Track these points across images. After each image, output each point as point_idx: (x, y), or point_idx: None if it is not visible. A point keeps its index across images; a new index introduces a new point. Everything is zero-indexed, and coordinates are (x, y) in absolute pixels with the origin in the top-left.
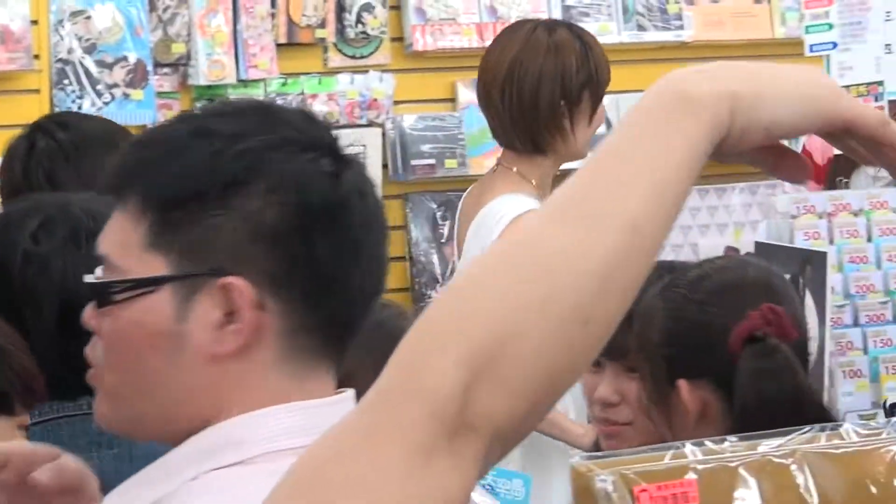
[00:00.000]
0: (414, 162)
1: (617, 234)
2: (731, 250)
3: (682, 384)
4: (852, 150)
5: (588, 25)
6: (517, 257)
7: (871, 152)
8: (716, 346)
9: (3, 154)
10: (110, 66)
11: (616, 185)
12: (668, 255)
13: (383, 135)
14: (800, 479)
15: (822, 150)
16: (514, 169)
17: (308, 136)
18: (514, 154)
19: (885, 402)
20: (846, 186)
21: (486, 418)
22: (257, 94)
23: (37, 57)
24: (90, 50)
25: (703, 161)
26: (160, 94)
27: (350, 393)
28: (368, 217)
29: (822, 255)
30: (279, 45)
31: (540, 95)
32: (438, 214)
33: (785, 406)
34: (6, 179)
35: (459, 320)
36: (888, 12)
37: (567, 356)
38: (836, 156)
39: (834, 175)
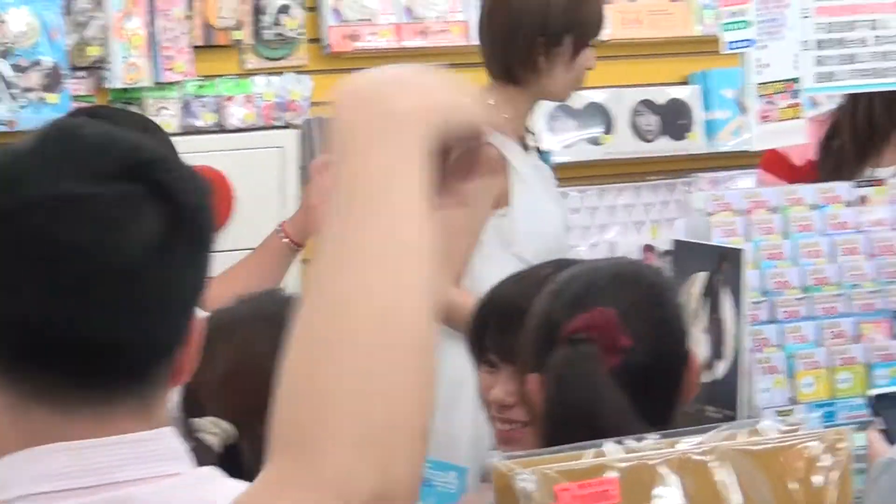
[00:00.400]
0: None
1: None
2: (648, 248)
3: (531, 378)
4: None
5: None
6: (358, 314)
7: (465, 167)
8: (555, 345)
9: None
10: (25, 70)
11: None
12: (585, 253)
13: (300, 136)
14: (720, 476)
15: (800, 153)
16: (491, 101)
17: None
18: (494, 84)
19: (867, 395)
20: None
21: (395, 484)
22: (174, 96)
23: None
24: (5, 54)
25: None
26: (76, 98)
27: (148, 434)
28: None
29: (738, 253)
30: (196, 48)
31: (520, 26)
32: None
33: (583, 415)
34: None
35: (336, 397)
36: (805, 9)
37: (428, 395)
38: (819, 160)
39: (818, 177)
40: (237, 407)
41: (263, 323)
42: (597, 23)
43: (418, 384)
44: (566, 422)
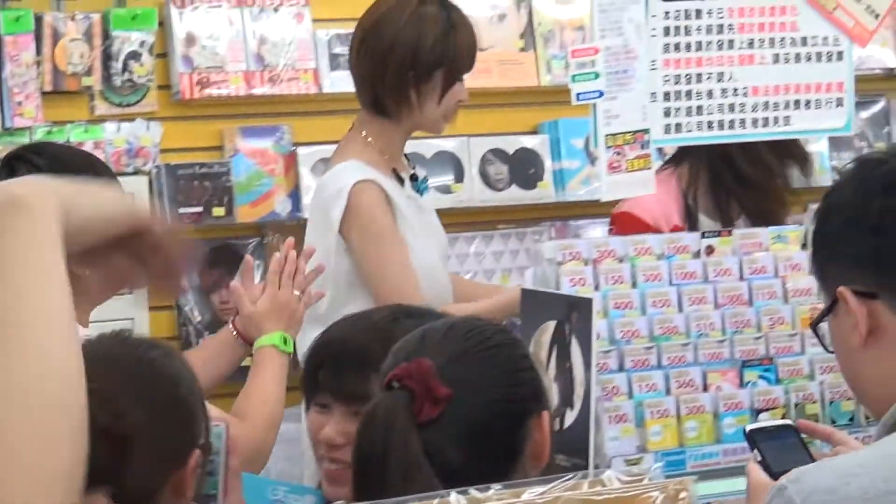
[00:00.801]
0: (181, 210)
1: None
2: None
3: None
4: (115, 267)
5: None
6: None
7: (147, 259)
8: None
9: None
10: None
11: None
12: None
13: (150, 182)
14: None
15: (665, 218)
16: (363, 132)
17: None
18: (365, 115)
19: (744, 429)
20: None
21: None
22: (23, 142)
23: None
24: None
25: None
26: None
27: None
28: None
29: (587, 302)
30: (45, 93)
31: (390, 60)
32: (207, 262)
33: (368, 457)
34: None
35: None
36: (653, 61)
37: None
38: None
39: None
40: None
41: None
42: (468, 57)
43: (53, 434)
44: (362, 462)
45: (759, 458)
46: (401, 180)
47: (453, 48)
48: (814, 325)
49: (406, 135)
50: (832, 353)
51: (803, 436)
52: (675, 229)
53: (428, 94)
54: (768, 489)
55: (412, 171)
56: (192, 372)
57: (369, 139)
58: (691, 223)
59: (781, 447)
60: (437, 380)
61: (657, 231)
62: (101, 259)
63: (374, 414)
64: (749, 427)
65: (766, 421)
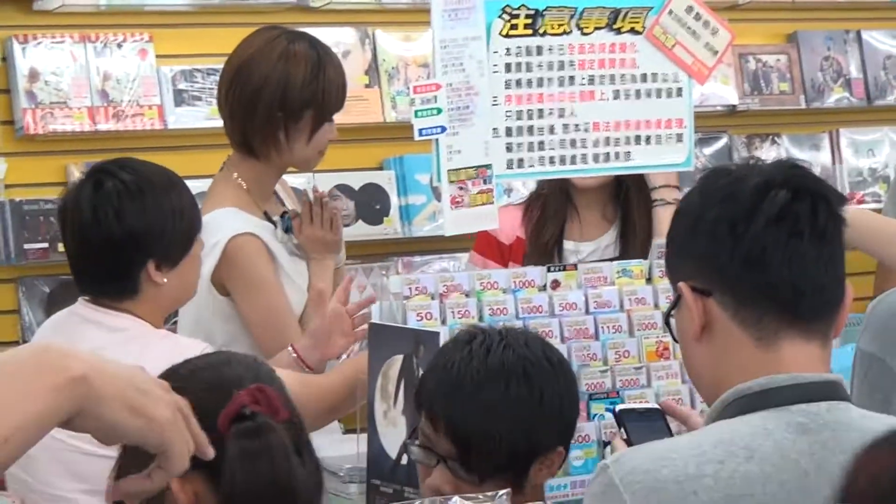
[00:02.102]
0: (27, 246)
1: None
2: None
3: (174, 482)
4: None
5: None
6: None
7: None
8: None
9: (65, 197)
10: None
11: None
12: None
13: None
14: None
15: (508, 233)
16: (235, 174)
17: None
18: (235, 156)
19: (613, 408)
20: None
21: None
22: None
23: None
24: None
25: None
26: None
27: None
28: None
29: (435, 335)
30: None
31: (259, 100)
32: (51, 299)
33: (276, 489)
34: (73, 218)
35: None
36: (495, 97)
37: None
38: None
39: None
40: None
41: None
42: (337, 97)
43: None
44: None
45: (625, 437)
46: (273, 222)
47: (322, 89)
48: (665, 318)
49: (277, 173)
50: (678, 342)
51: (668, 418)
52: (516, 241)
53: (297, 135)
54: None
55: (283, 210)
56: None
57: (240, 181)
58: (534, 239)
59: (646, 428)
60: (280, 404)
61: (498, 242)
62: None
63: (261, 447)
64: (619, 407)
65: (634, 403)
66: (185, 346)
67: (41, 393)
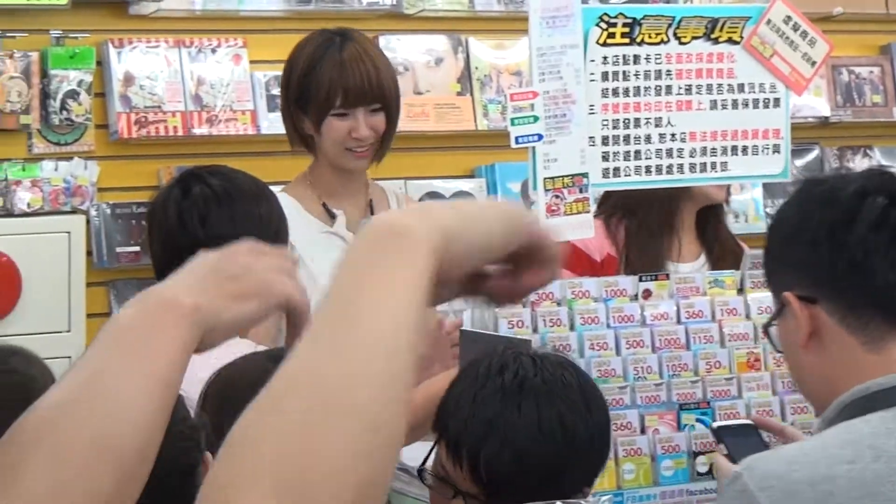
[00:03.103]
0: (119, 249)
1: (375, 358)
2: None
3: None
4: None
5: None
6: (303, 386)
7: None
8: None
9: (154, 200)
10: None
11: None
12: None
13: (88, 222)
14: None
15: (598, 248)
16: (308, 178)
17: None
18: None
19: (710, 425)
20: None
21: None
22: None
23: None
24: None
25: (429, 286)
26: None
27: None
28: None
29: (526, 343)
30: None
31: (284, 98)
32: None
33: None
34: (159, 222)
35: (262, 449)
36: (591, 105)
37: (367, 466)
38: (623, 255)
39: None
40: None
41: None
42: (328, 91)
43: (356, 456)
44: None
45: (726, 452)
46: (331, 215)
47: (315, 81)
48: (765, 328)
49: (331, 168)
50: (780, 352)
51: (761, 431)
52: (608, 259)
53: (309, 127)
54: None
55: (370, 214)
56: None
57: (308, 175)
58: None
59: (744, 442)
60: None
61: (590, 259)
62: (476, 284)
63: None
64: (715, 424)
65: (729, 420)
66: (236, 346)
67: (168, 338)
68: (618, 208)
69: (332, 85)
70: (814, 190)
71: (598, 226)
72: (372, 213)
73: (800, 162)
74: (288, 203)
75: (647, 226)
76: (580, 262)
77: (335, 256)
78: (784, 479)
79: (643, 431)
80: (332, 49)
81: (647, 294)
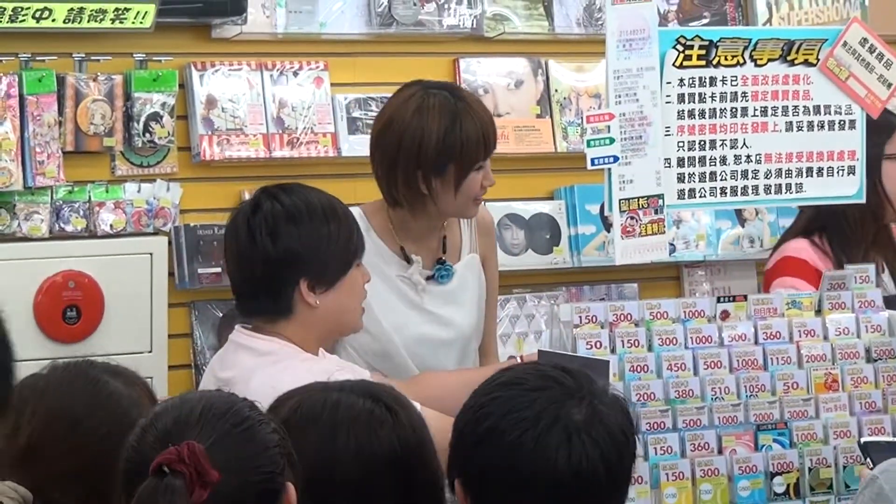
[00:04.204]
0: (200, 270)
1: None
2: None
3: None
4: None
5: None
6: None
7: None
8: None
9: (230, 219)
10: None
11: None
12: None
13: (170, 243)
14: None
15: (819, 262)
16: (389, 210)
17: None
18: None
19: (859, 441)
20: None
21: None
22: (44, 201)
23: None
24: None
25: None
26: None
27: None
28: None
29: (604, 363)
30: (66, 153)
31: (398, 160)
32: (223, 323)
33: None
34: (232, 238)
35: None
36: (667, 127)
37: None
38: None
39: None
40: (38, 474)
41: (79, 391)
42: (476, 147)
43: None
44: None
45: (871, 466)
46: (407, 260)
47: (460, 140)
48: None
49: (428, 222)
50: None
51: None
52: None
53: (444, 188)
54: None
55: (440, 257)
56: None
57: (388, 213)
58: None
59: (889, 457)
60: (208, 464)
61: (818, 272)
62: None
63: (154, 502)
64: (864, 440)
65: (876, 437)
66: (319, 367)
67: None
68: (816, 228)
69: (479, 138)
70: None
71: (805, 244)
72: (444, 251)
73: None
74: (363, 222)
75: (860, 233)
76: (813, 273)
77: (404, 298)
78: None
79: (720, 452)
80: (457, 103)
81: (725, 315)
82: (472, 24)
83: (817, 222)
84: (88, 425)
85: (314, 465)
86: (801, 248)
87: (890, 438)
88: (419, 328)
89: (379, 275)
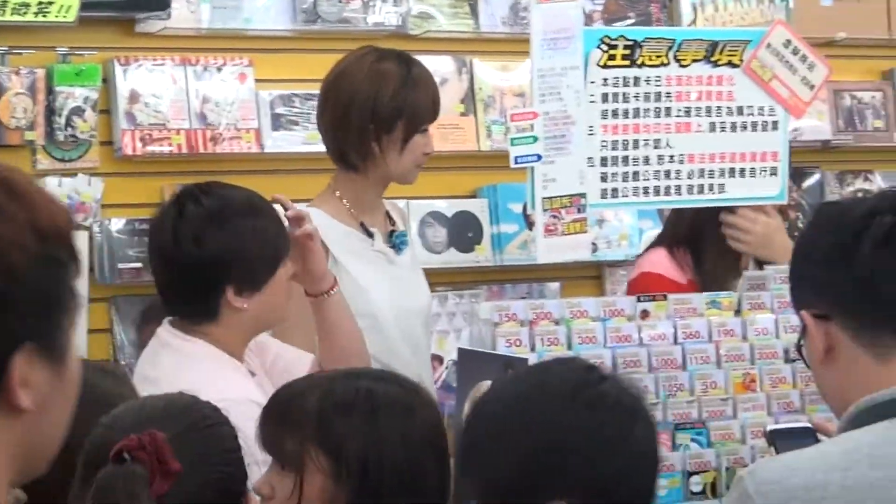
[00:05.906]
0: (121, 265)
1: None
2: (434, 358)
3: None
4: None
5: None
6: None
7: None
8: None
9: (153, 218)
10: None
11: None
12: None
13: (90, 238)
14: None
15: (677, 274)
16: (336, 191)
17: None
18: (338, 173)
19: (765, 429)
20: None
21: None
22: None
23: None
24: None
25: None
26: None
27: None
28: None
29: (523, 362)
30: None
31: (351, 113)
32: (144, 318)
33: None
34: (156, 240)
35: None
36: (591, 127)
37: None
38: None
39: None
40: (27, 482)
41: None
42: (427, 108)
43: None
44: None
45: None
46: (369, 234)
47: (412, 99)
48: (797, 347)
49: (376, 188)
50: (809, 368)
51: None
52: (689, 284)
53: (391, 146)
54: None
55: (391, 229)
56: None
57: (339, 194)
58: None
59: (797, 446)
60: (170, 453)
61: (677, 284)
62: None
63: (113, 487)
64: (770, 427)
65: (787, 423)
66: (236, 380)
67: None
68: (680, 240)
69: (428, 100)
70: (828, 212)
71: (664, 255)
72: (392, 224)
73: (802, 185)
74: (322, 217)
75: (719, 255)
76: (670, 288)
77: (381, 271)
78: (781, 485)
79: None
80: (413, 68)
81: (645, 314)
82: (398, 22)
83: (678, 233)
84: (81, 433)
85: (362, 453)
86: (657, 261)
87: (801, 424)
88: (401, 301)
89: (360, 258)
